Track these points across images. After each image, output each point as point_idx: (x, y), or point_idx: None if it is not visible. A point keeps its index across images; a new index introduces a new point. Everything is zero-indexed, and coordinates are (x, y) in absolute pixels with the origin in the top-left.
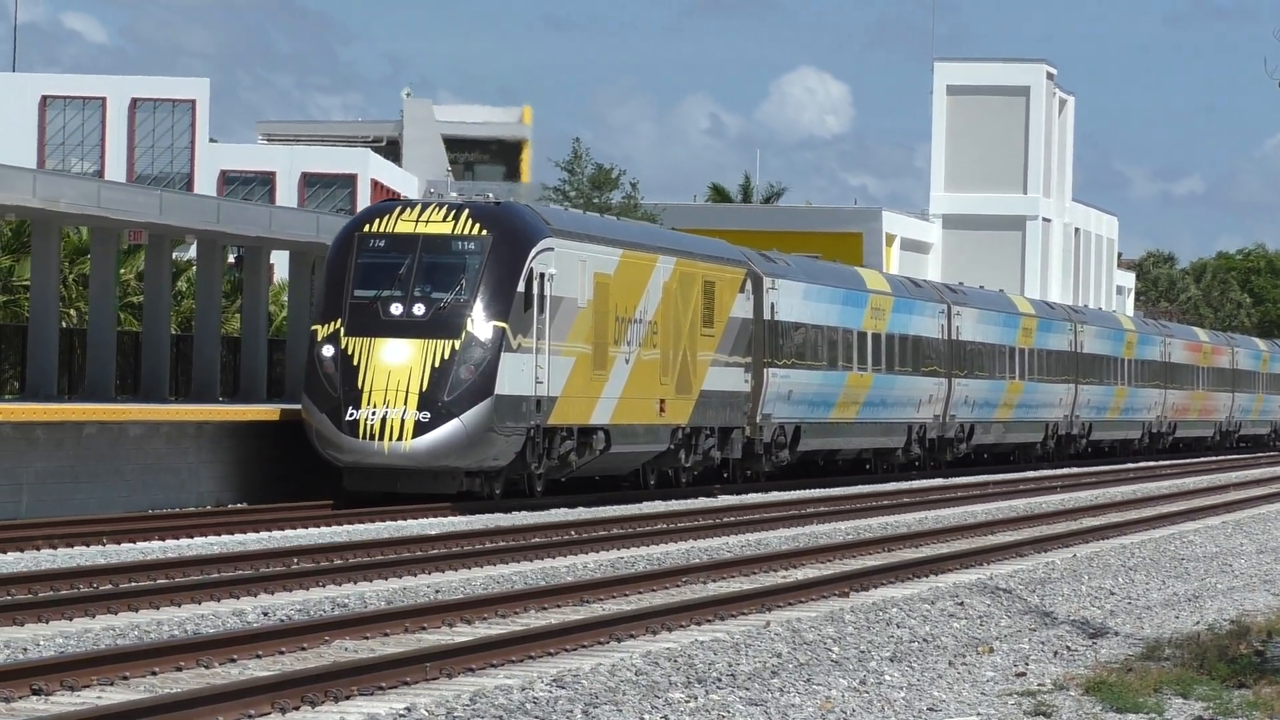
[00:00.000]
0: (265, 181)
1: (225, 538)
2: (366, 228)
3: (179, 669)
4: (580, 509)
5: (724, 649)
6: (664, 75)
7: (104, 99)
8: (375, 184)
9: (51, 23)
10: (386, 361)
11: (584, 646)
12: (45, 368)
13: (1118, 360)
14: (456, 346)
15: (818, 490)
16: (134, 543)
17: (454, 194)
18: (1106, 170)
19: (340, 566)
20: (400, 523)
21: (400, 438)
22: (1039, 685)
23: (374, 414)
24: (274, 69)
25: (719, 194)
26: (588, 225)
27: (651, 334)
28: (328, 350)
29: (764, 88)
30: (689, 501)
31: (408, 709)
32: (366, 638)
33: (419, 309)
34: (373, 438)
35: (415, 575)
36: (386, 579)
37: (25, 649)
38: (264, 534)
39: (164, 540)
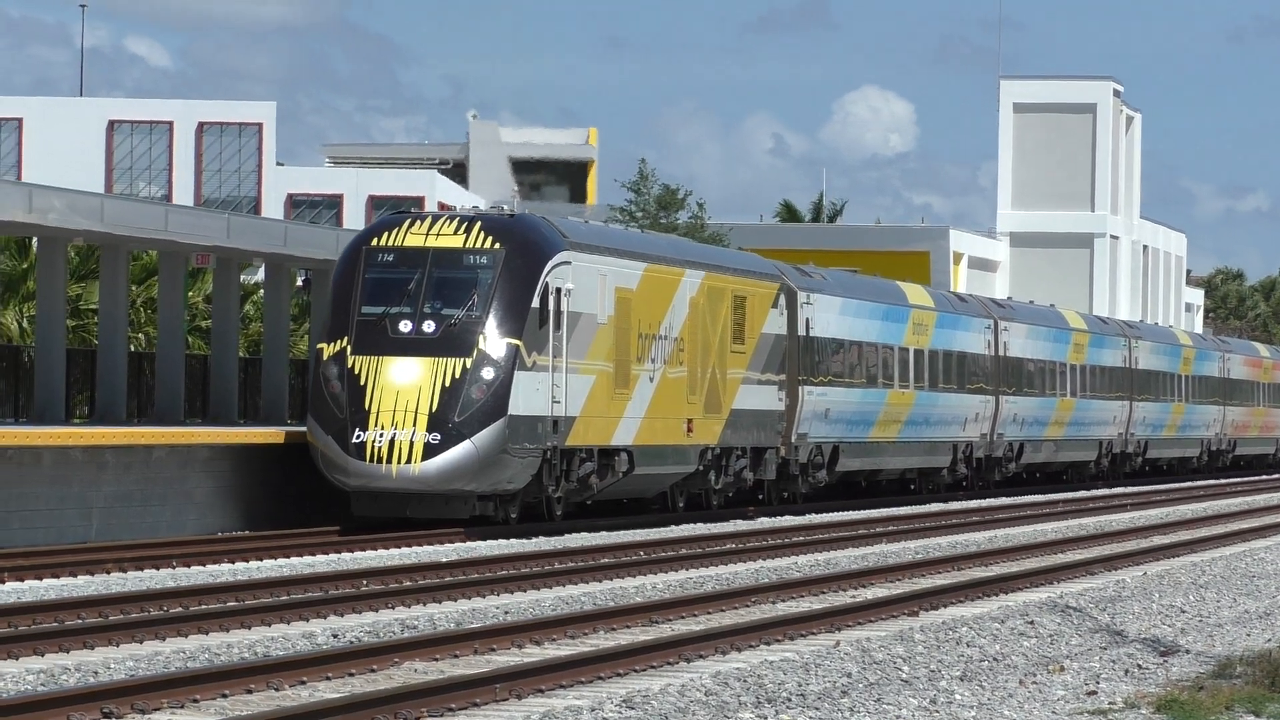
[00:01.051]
0: (332, 204)
1: (294, 560)
2: (374, 241)
3: (249, 691)
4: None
5: (793, 669)
6: (726, 95)
7: (171, 123)
8: (442, 206)
9: (114, 47)
10: (395, 381)
11: (653, 667)
12: (114, 391)
13: (1174, 376)
14: (468, 365)
15: (882, 510)
16: (203, 565)
17: (473, 206)
18: (1173, 187)
19: (409, 588)
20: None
21: (409, 460)
22: (1110, 704)
23: (382, 436)
24: (335, 92)
25: (790, 212)
26: (608, 238)
27: (678, 351)
28: (333, 369)
29: (827, 107)
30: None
31: None
32: (436, 659)
33: (429, 326)
34: (380, 461)
35: (484, 597)
36: (455, 600)
37: (96, 672)
38: (333, 556)
39: (233, 563)
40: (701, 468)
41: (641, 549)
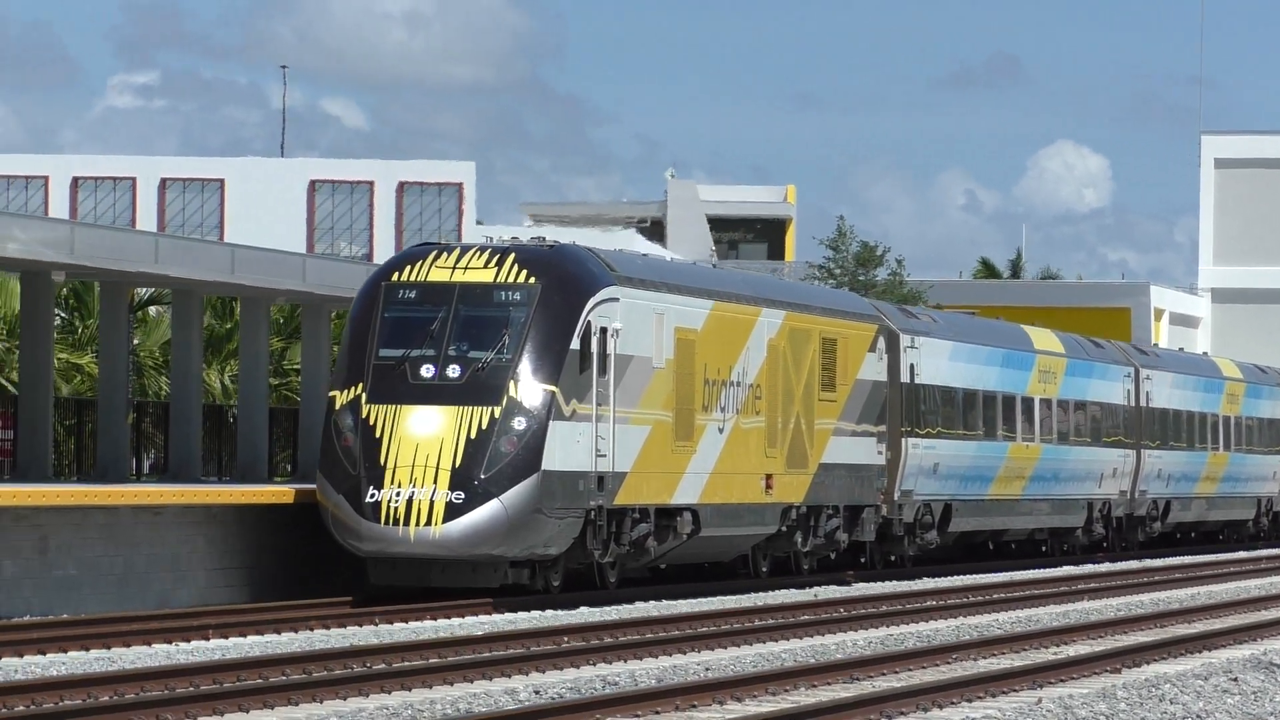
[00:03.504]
0: None
1: (495, 616)
2: (395, 276)
3: None
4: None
5: None
6: (918, 151)
7: (371, 183)
8: None
9: (310, 108)
10: (414, 433)
11: None
12: (317, 450)
13: None
14: (496, 414)
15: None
16: (405, 622)
17: (511, 237)
18: None
19: (610, 645)
20: (440, 621)
21: (429, 522)
22: None
23: (398, 495)
24: (528, 151)
25: (988, 269)
26: (666, 272)
27: (753, 398)
28: (347, 420)
29: (1020, 162)
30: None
31: None
32: (637, 715)
33: (453, 371)
34: (397, 523)
35: (685, 654)
36: (656, 658)
37: None
38: (535, 613)
39: (435, 620)
40: (785, 528)
41: (841, 606)
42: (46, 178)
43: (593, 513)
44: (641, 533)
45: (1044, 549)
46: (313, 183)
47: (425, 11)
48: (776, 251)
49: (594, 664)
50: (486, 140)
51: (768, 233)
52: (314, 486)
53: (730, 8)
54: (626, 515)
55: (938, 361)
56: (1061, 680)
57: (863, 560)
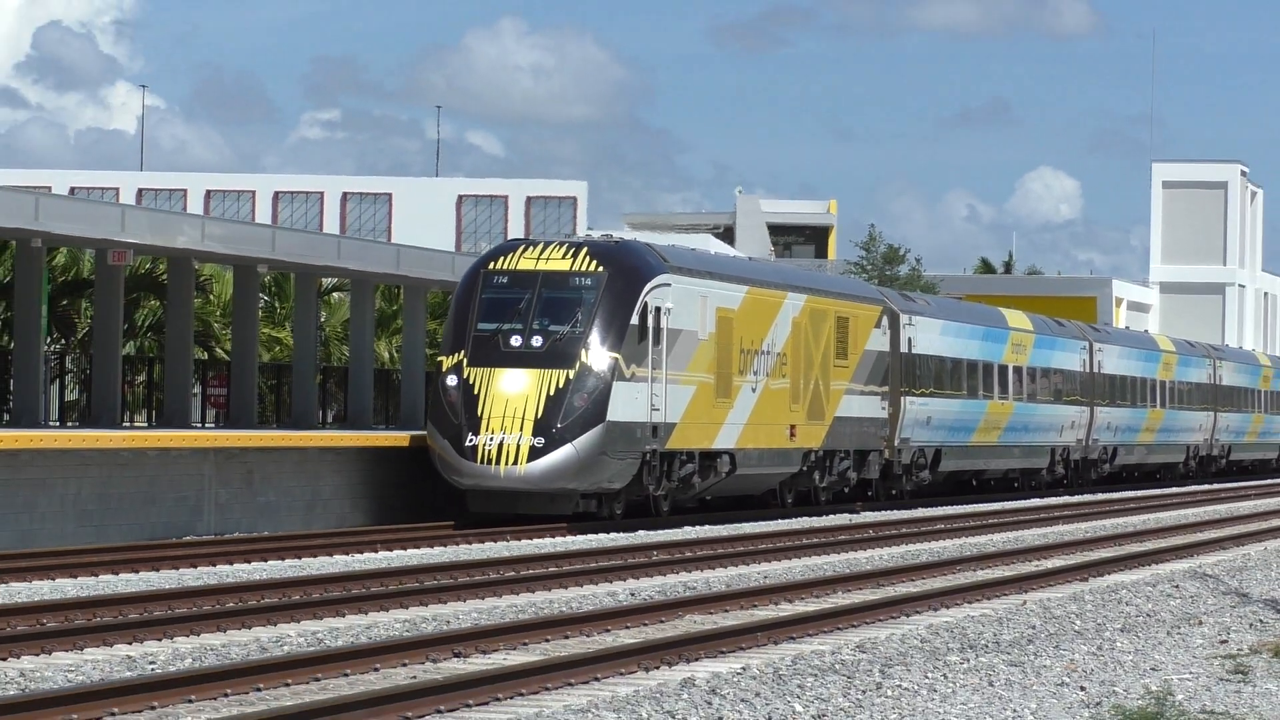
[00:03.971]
0: None
1: (572, 538)
2: (491, 265)
3: (565, 638)
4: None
5: (990, 622)
6: (930, 174)
7: (506, 197)
8: None
9: (457, 138)
10: (505, 390)
11: (880, 620)
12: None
13: (1255, 391)
14: (570, 376)
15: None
16: (519, 540)
17: (585, 234)
18: None
19: (690, 558)
20: (522, 542)
21: (516, 462)
22: (1238, 650)
23: (492, 439)
24: (626, 173)
25: (986, 266)
26: (709, 264)
27: (780, 364)
28: (451, 380)
29: (1010, 183)
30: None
31: (743, 668)
32: (710, 613)
33: (537, 341)
34: (490, 462)
35: (748, 564)
36: (725, 567)
37: (446, 621)
38: (613, 535)
39: (519, 540)
40: (805, 468)
41: (871, 528)
42: (254, 192)
43: (648, 455)
44: (688, 471)
45: (1015, 485)
46: (460, 197)
47: (548, 64)
48: (821, 252)
49: (678, 573)
50: (594, 164)
51: (815, 237)
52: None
53: (785, 63)
54: (675, 457)
55: (930, 336)
56: (1041, 587)
57: (870, 494)
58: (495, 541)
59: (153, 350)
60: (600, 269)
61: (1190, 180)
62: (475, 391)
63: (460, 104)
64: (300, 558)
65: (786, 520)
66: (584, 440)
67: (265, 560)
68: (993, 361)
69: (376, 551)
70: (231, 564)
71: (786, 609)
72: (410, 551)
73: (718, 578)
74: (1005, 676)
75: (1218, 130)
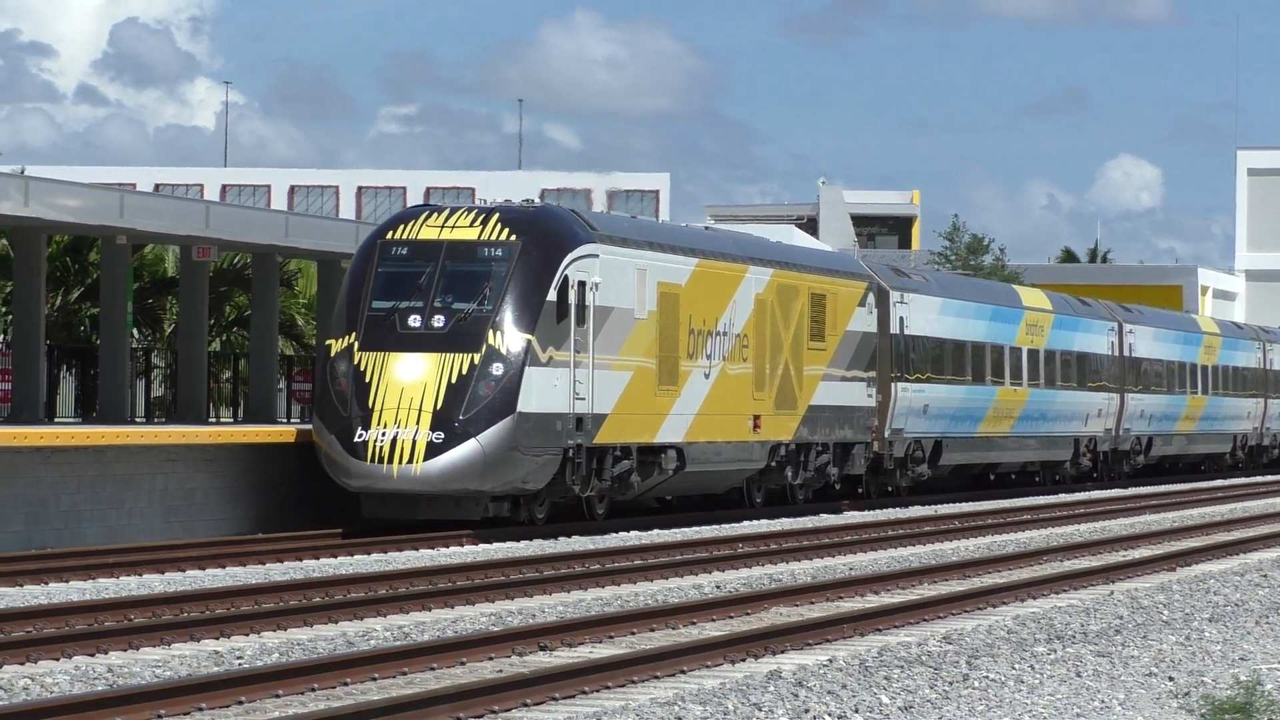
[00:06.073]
0: None
1: (478, 547)
2: (389, 235)
3: (651, 631)
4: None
5: (1077, 612)
6: (1010, 163)
7: (589, 190)
8: None
9: (537, 131)
10: (400, 378)
11: (966, 611)
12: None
13: None
14: (476, 361)
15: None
16: (479, 544)
17: (504, 199)
18: None
19: (774, 550)
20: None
21: (410, 460)
22: None
23: (384, 435)
24: (703, 165)
25: (1069, 255)
26: (649, 232)
27: (741, 347)
28: (340, 366)
29: (1090, 172)
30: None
31: (829, 660)
32: (797, 605)
33: (438, 320)
34: (381, 461)
35: (833, 556)
36: (810, 559)
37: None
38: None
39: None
40: (774, 464)
41: (957, 519)
42: (337, 187)
43: (571, 451)
44: (624, 469)
45: (1036, 479)
46: (543, 190)
47: (622, 57)
48: (905, 243)
49: (762, 565)
50: (672, 156)
51: (898, 228)
52: None
53: (857, 53)
54: (608, 453)
55: (927, 315)
56: (1129, 576)
57: (860, 491)
58: (579, 536)
59: (239, 345)
60: (513, 238)
61: (1277, 168)
62: (367, 379)
63: (537, 97)
64: (386, 552)
65: (859, 514)
66: (490, 435)
67: (351, 555)
68: (1003, 344)
69: (462, 545)
70: (318, 558)
71: (872, 600)
72: (495, 545)
73: (803, 569)
74: (1093, 667)
75: None
